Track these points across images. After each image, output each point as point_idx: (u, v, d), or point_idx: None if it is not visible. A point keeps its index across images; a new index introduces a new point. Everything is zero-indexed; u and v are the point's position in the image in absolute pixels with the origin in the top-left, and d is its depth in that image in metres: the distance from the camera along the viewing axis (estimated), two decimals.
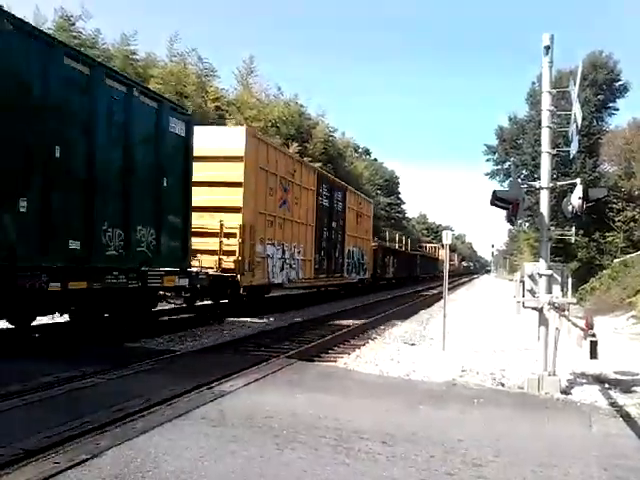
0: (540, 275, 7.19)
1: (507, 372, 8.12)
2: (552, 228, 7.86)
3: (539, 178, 7.47)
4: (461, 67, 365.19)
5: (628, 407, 6.48)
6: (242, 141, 14.10)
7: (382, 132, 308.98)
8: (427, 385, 7.33)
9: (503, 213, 7.52)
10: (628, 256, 30.36)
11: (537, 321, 7.32)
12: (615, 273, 27.36)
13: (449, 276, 11.67)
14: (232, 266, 13.66)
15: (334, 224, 22.15)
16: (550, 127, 7.39)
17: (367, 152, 65.90)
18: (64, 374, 6.69)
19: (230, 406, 5.53)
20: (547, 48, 7.28)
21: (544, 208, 7.38)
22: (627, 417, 6.03)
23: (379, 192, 56.34)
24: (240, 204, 13.98)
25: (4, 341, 8.85)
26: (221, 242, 13.67)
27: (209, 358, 8.75)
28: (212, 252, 13.57)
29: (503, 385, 7.56)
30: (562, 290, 7.22)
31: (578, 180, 7.23)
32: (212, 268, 13.23)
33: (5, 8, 7.46)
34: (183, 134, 11.15)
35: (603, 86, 42.14)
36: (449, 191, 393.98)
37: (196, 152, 11.80)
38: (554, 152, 7.58)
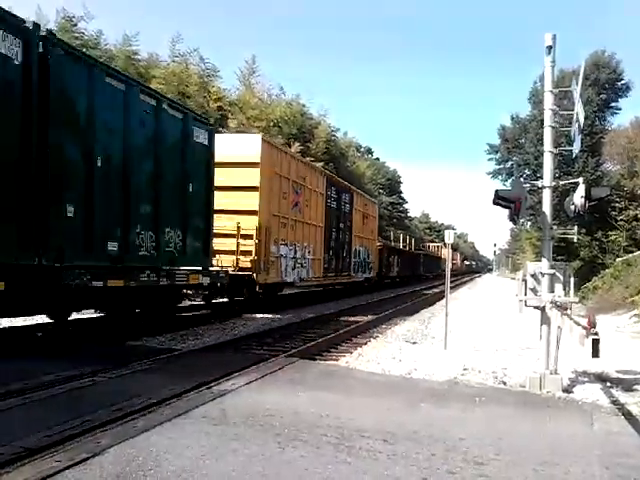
0: (542, 274, 7.19)
1: (509, 371, 8.10)
2: (554, 227, 7.84)
3: (541, 177, 7.46)
4: (461, 67, 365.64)
5: (630, 405, 6.47)
6: (258, 148, 14.89)
7: (383, 132, 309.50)
8: (429, 383, 7.33)
9: (505, 212, 7.49)
10: (630, 255, 30.27)
11: (539, 320, 7.31)
12: (617, 272, 27.27)
13: (451, 275, 11.69)
14: (249, 265, 14.41)
15: (342, 225, 23.05)
16: (552, 126, 7.38)
17: (369, 151, 65.79)
18: (65, 373, 6.69)
19: (231, 405, 5.53)
20: (549, 48, 7.27)
21: (546, 207, 7.37)
22: (629, 415, 6.02)
23: (381, 191, 56.26)
24: (256, 207, 14.80)
25: (5, 340, 8.88)
26: (238, 243, 14.33)
27: (210, 357, 8.75)
28: (230, 252, 14.22)
29: (505, 384, 7.54)
30: (564, 289, 7.22)
31: (580, 179, 7.24)
32: (230, 267, 13.92)
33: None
34: (206, 142, 11.97)
35: (605, 85, 41.98)
36: (451, 190, 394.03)
37: (216, 158, 12.47)
38: (556, 151, 7.57)
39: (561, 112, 7.74)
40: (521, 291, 7.39)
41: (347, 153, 45.67)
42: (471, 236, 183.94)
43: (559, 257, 24.37)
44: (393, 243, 41.55)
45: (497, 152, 49.24)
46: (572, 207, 7.18)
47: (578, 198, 6.96)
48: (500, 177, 48.71)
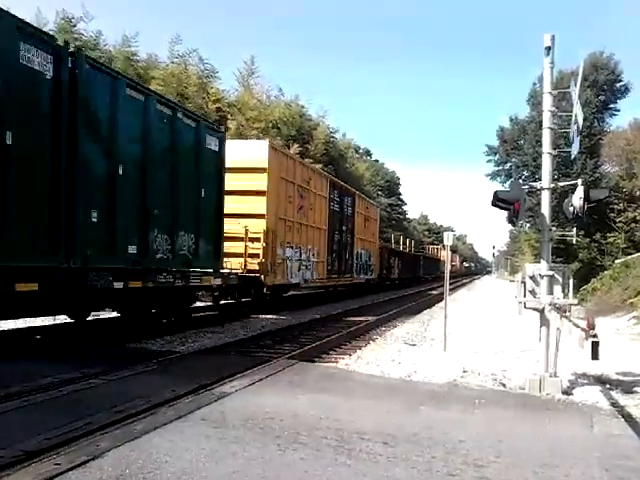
0: (541, 276, 7.19)
1: (508, 373, 8.11)
2: (553, 229, 7.86)
3: (540, 179, 7.47)
4: (461, 67, 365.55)
5: (629, 408, 6.48)
6: (265, 153, 15.23)
7: (382, 132, 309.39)
8: (428, 386, 7.33)
9: (504, 214, 7.48)
10: (629, 257, 30.29)
11: (538, 322, 7.31)
12: (616, 274, 27.29)
13: (450, 277, 11.72)
14: (256, 267, 14.78)
15: (344, 228, 23.46)
16: (551, 128, 7.39)
17: (368, 153, 65.87)
18: (65, 375, 6.69)
19: (231, 407, 5.52)
20: (548, 49, 7.28)
21: (545, 209, 7.37)
22: (629, 418, 6.02)
23: (380, 193, 56.31)
24: (264, 211, 15.17)
25: (5, 342, 8.87)
26: (246, 246, 14.68)
27: (210, 359, 8.74)
28: (238, 255, 14.50)
29: (504, 386, 7.55)
30: (563, 291, 7.22)
31: (579, 181, 7.24)
32: (238, 269, 14.20)
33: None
34: (217, 149, 12.36)
35: (604, 87, 42.02)
36: (450, 192, 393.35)
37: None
38: (555, 153, 7.58)
39: (560, 114, 7.75)
40: (520, 293, 7.38)
41: (346, 154, 45.64)
42: (470, 238, 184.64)
43: (558, 259, 24.46)
44: (393, 245, 41.68)
45: (496, 154, 49.30)
46: (571, 209, 7.18)
47: (577, 200, 6.97)
48: (499, 178, 48.80)
